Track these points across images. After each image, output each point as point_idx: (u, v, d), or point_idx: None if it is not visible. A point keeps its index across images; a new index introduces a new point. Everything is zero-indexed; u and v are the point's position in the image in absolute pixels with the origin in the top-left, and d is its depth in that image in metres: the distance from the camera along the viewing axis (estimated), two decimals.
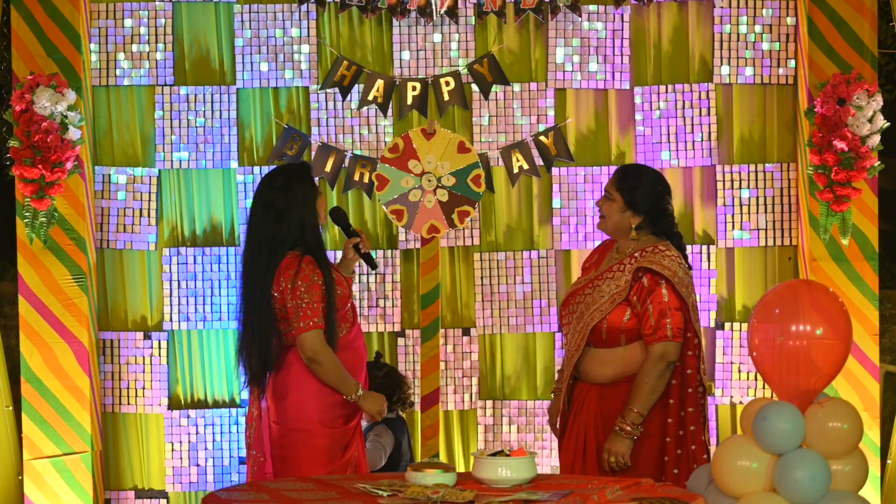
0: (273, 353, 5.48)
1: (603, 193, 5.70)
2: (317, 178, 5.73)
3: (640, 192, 5.61)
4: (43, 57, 6.81)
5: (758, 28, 7.12)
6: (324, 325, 5.41)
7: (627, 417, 5.43)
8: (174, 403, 7.13)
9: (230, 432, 7.10)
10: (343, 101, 7.09)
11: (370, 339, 7.09)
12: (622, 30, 7.13)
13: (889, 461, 6.90)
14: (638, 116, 7.16)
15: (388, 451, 6.56)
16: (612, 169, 7.07)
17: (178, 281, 7.12)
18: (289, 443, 5.47)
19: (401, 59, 7.12)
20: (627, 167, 5.98)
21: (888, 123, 6.81)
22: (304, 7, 7.08)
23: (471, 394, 7.16)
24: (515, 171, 7.06)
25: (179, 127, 7.12)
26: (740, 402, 7.10)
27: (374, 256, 5.70)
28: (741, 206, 7.14)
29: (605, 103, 7.19)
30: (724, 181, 7.14)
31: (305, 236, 5.50)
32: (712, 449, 5.53)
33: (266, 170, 7.03)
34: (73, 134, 6.67)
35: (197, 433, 7.08)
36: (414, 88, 7.04)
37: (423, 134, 6.87)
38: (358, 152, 7.07)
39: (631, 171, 5.75)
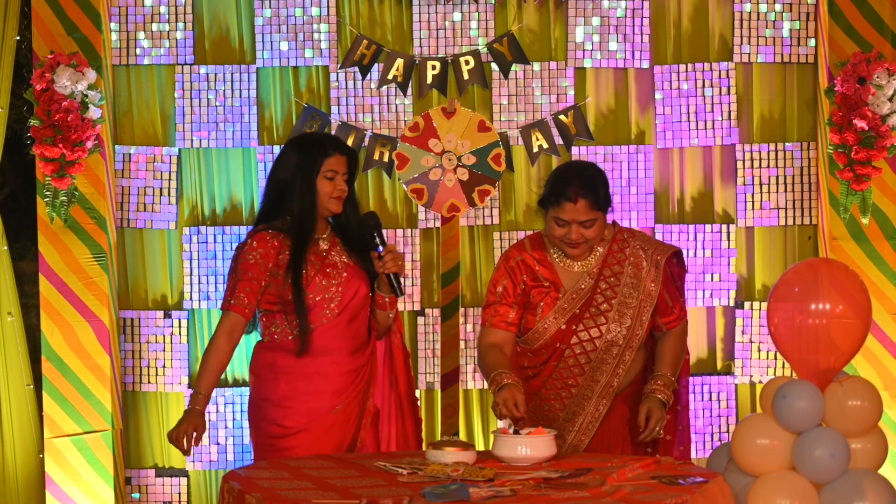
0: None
1: (575, 225, 5.06)
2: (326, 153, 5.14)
3: (608, 192, 5.16)
4: (63, 36, 6.82)
5: (778, 7, 7.10)
6: (228, 307, 5.17)
7: (662, 382, 5.11)
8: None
9: None
10: (363, 80, 7.09)
11: None
12: (642, 8, 7.12)
13: None
14: (658, 95, 7.14)
15: None
16: (632, 148, 7.09)
17: (199, 260, 7.13)
18: None
19: (420, 38, 7.12)
20: (580, 180, 5.08)
21: None
22: None
23: None
24: (535, 150, 7.06)
25: (199, 106, 7.12)
26: (760, 381, 7.10)
27: (400, 282, 5.27)
28: (761, 185, 7.13)
29: (624, 82, 7.18)
30: (744, 160, 7.12)
31: (291, 207, 5.14)
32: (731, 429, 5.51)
33: None
34: (94, 113, 6.69)
35: (217, 412, 7.09)
36: (433, 67, 7.04)
37: (443, 113, 6.87)
38: (378, 131, 7.08)
39: (590, 182, 5.08)
